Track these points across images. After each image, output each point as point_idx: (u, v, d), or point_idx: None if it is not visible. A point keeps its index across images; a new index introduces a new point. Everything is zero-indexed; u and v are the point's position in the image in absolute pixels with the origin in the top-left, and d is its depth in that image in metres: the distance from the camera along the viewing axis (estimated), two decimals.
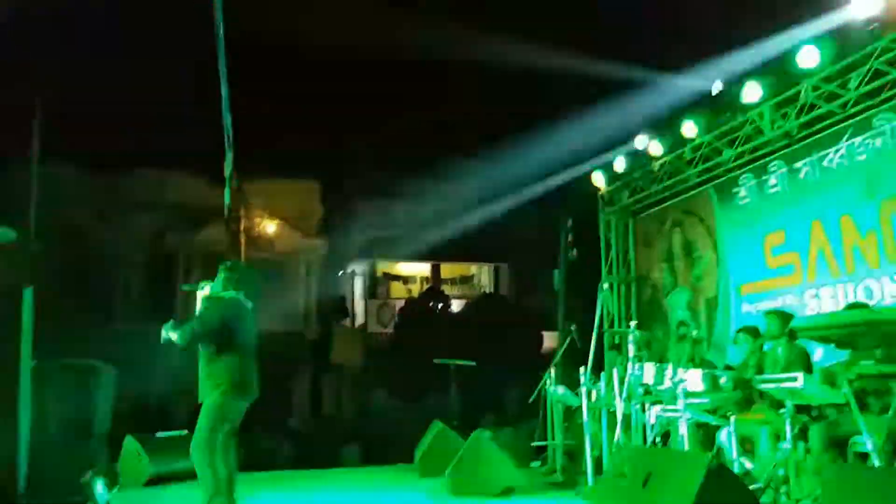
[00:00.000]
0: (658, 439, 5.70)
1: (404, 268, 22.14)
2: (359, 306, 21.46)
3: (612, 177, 9.85)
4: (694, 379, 5.40)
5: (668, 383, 5.51)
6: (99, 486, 5.92)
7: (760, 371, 5.54)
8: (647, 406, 5.91)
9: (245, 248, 17.00)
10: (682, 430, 5.13)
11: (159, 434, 8.15)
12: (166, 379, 11.92)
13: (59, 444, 7.02)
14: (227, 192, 11.85)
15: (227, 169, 10.30)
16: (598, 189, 10.19)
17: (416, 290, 21.26)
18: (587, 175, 10.16)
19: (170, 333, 4.90)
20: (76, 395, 8.26)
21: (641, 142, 8.92)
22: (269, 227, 17.88)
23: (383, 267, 21.85)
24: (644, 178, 9.47)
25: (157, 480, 7.29)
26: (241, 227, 17.55)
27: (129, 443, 7.62)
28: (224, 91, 8.41)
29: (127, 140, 17.06)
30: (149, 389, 11.97)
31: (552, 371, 7.58)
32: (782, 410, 4.72)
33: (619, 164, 9.44)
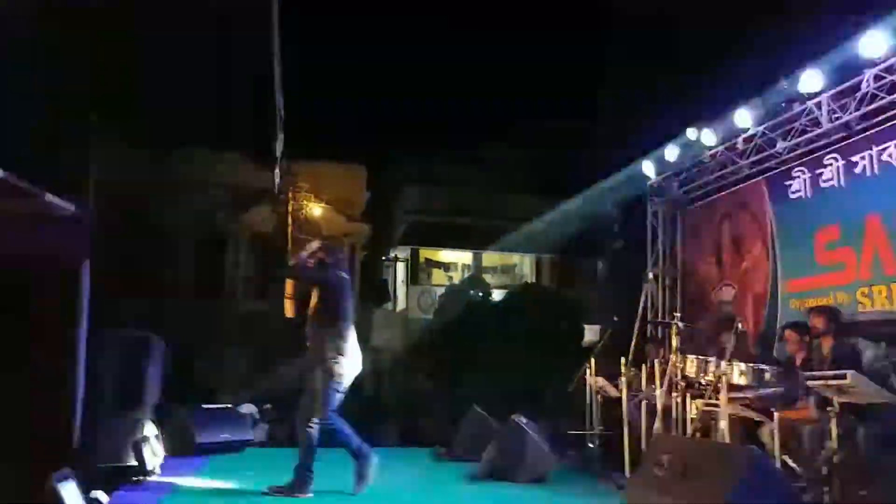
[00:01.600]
0: (698, 433, 5.64)
1: (446, 255, 22.21)
2: (400, 291, 21.63)
3: (662, 167, 9.69)
4: (738, 373, 5.31)
5: (710, 377, 5.45)
6: (147, 453, 6.14)
7: (807, 368, 5.42)
8: (687, 399, 5.85)
9: (291, 230, 17.32)
10: (723, 424, 5.06)
11: (205, 406, 8.40)
12: (213, 354, 12.29)
13: (112, 410, 7.29)
14: (276, 173, 12.06)
15: (278, 150, 10.50)
16: (647, 179, 10.04)
17: (457, 277, 21.33)
18: (636, 165, 10.03)
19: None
20: (128, 364, 8.56)
21: (693, 132, 8.74)
22: (316, 209, 18.12)
23: (426, 253, 21.96)
24: (695, 168, 9.29)
25: (201, 451, 7.51)
26: (289, 209, 17.88)
27: (177, 413, 7.86)
28: (276, 72, 8.54)
29: (182, 118, 17.47)
30: (196, 363, 12.33)
31: (592, 361, 7.55)
32: (829, 409, 4.61)
33: (670, 154, 9.27)
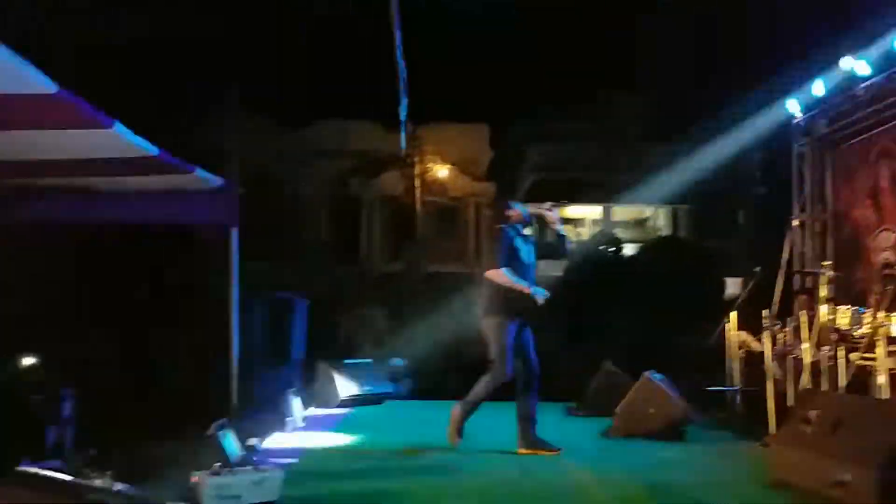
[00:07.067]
0: (852, 390, 5.24)
1: (574, 211, 21.79)
2: None
3: (809, 103, 8.88)
4: None
5: (866, 329, 5.03)
6: (295, 406, 6.61)
7: None
8: (840, 353, 5.43)
9: (419, 193, 17.70)
10: (881, 380, 4.66)
11: (347, 361, 8.89)
12: (352, 312, 12.95)
13: (263, 367, 7.89)
14: (402, 137, 12.35)
15: (402, 115, 10.70)
16: (791, 118, 9.27)
17: (586, 233, 20.91)
18: (779, 103, 9.26)
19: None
20: (276, 324, 9.20)
21: (845, 62, 7.89)
22: (441, 171, 18.38)
23: None
24: (847, 103, 8.43)
25: (345, 403, 7.97)
26: (416, 172, 18.27)
27: (322, 368, 8.36)
28: (397, 37, 8.63)
29: (311, 90, 18.23)
30: (337, 322, 13.03)
31: (733, 315, 7.19)
32: None
33: (818, 89, 8.46)
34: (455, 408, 5.29)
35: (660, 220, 21.61)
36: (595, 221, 21.43)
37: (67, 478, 3.17)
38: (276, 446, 5.60)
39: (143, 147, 5.05)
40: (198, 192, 6.91)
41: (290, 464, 4.85)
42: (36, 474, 2.69)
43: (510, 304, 5.11)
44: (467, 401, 5.26)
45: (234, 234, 7.49)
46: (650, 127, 20.55)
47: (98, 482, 4.09)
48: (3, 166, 5.11)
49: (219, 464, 3.92)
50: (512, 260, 5.16)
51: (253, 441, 5.07)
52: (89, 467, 5.34)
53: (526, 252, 5.27)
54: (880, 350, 4.66)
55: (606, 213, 21.12)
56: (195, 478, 3.82)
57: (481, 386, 5.22)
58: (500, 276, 5.08)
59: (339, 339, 12.31)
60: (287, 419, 6.37)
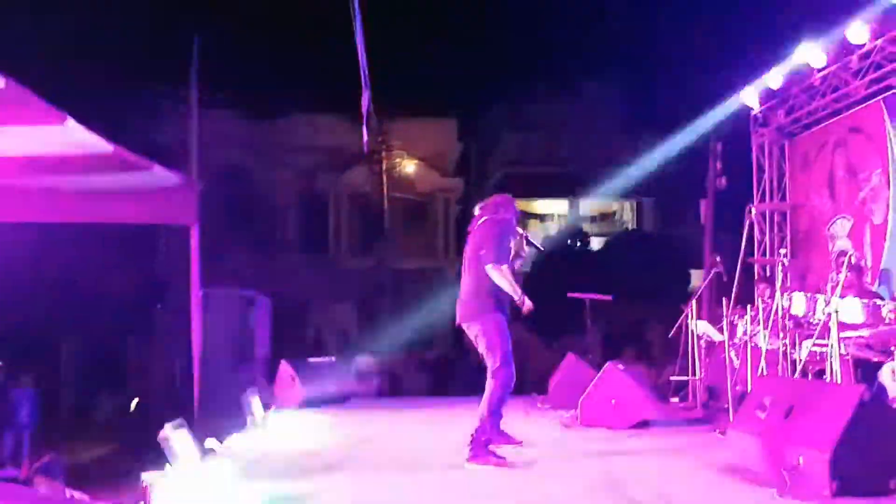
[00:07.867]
0: (809, 376, 5.33)
1: (541, 205, 21.88)
2: None
3: (766, 95, 9.00)
4: (851, 309, 4.94)
5: (820, 315, 5.10)
6: (256, 406, 6.50)
7: None
8: (797, 341, 5.51)
9: (387, 188, 17.58)
10: (835, 365, 4.74)
11: (311, 360, 8.76)
12: (319, 309, 12.85)
13: (224, 366, 7.76)
14: (364, 130, 12.24)
15: (364, 108, 10.57)
16: (750, 109, 9.39)
17: (553, 228, 21.02)
18: (738, 95, 9.37)
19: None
20: (238, 322, 9.05)
21: (801, 53, 8.00)
22: (409, 167, 18.29)
23: (520, 205, 21.73)
24: (803, 94, 8.56)
25: (308, 403, 7.85)
26: (384, 168, 18.14)
27: (284, 367, 8.22)
28: (358, 28, 8.49)
29: (279, 86, 18.00)
30: (304, 319, 12.95)
31: (694, 305, 7.26)
32: None
33: (775, 80, 8.58)
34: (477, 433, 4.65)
35: (625, 213, 21.82)
36: (561, 216, 21.55)
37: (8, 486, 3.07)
38: (235, 446, 5.50)
39: (97, 143, 4.88)
40: (157, 190, 6.74)
41: (247, 464, 4.77)
42: None
43: (501, 302, 4.80)
44: (485, 416, 4.69)
45: (195, 232, 7.33)
46: (619, 119, 20.68)
47: (44, 489, 3.98)
48: None
49: (172, 465, 3.83)
50: (505, 258, 4.85)
51: (210, 442, 4.97)
52: (42, 473, 5.20)
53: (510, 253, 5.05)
54: (833, 335, 4.73)
55: (573, 206, 21.24)
56: (146, 480, 3.73)
57: (494, 395, 4.73)
58: (502, 273, 4.73)
59: (307, 336, 12.20)
60: (247, 419, 6.27)
